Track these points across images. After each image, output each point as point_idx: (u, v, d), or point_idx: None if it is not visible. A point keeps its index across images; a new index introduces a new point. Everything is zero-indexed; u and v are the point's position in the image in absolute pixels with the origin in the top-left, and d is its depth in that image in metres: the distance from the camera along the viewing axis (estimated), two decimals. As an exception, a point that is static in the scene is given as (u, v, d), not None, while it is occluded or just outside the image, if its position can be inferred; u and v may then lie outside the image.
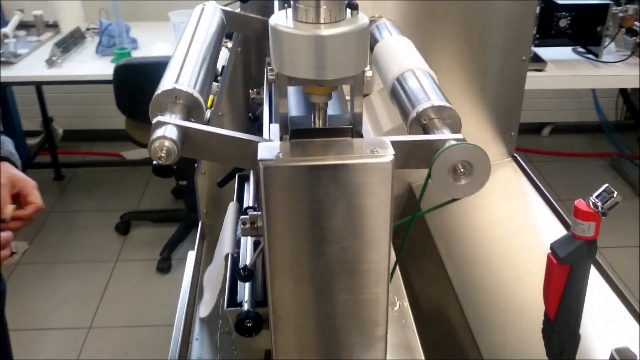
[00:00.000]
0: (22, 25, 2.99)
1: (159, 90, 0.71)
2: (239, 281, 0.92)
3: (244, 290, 0.87)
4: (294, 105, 0.81)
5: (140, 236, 3.08)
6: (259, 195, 0.71)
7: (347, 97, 0.87)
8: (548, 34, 2.55)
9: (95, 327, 2.50)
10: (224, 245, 0.98)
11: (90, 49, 2.81)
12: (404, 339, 1.03)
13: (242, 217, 0.74)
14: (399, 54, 0.90)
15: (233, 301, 0.88)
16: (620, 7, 2.58)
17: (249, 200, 1.12)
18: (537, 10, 2.36)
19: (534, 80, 2.09)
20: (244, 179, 1.20)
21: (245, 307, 0.84)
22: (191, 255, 1.37)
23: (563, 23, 2.58)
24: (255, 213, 0.74)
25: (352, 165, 0.60)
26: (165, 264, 2.81)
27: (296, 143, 0.64)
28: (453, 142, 0.65)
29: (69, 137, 3.76)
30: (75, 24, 2.94)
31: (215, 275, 0.96)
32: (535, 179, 1.28)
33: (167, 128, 0.63)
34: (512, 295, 1.02)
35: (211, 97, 1.36)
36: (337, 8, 0.60)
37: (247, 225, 0.74)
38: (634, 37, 2.62)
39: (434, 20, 1.29)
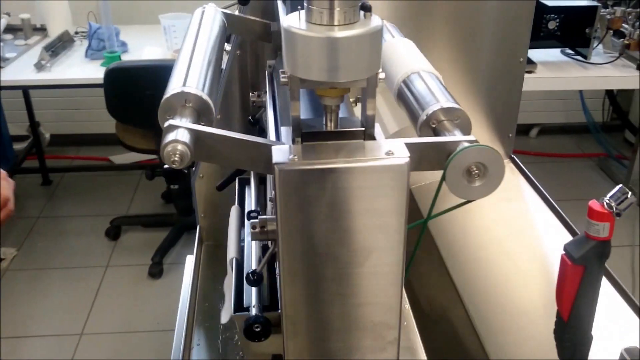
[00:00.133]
0: (9, 29, 2.96)
1: (167, 94, 0.70)
2: (244, 286, 0.91)
3: (251, 295, 0.87)
4: (301, 107, 0.81)
5: (130, 241, 3.06)
6: (274, 199, 0.70)
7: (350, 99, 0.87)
8: (537, 35, 2.57)
9: (87, 334, 2.47)
10: (229, 250, 0.97)
11: (79, 53, 2.78)
12: (406, 341, 1.03)
13: (251, 221, 0.73)
14: (404, 56, 0.90)
15: (240, 306, 0.88)
16: (608, 9, 2.60)
17: (250, 204, 1.11)
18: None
19: (524, 82, 2.10)
20: (244, 183, 1.19)
21: (253, 311, 0.83)
22: (189, 260, 1.36)
23: (552, 25, 2.60)
24: (265, 217, 0.73)
25: (368, 167, 0.60)
26: (157, 269, 2.78)
27: (309, 146, 0.64)
28: (466, 144, 0.65)
29: (56, 142, 3.72)
30: (64, 28, 2.91)
31: (227, 277, 0.95)
32: (533, 179, 1.29)
33: (179, 132, 0.62)
34: (517, 295, 1.02)
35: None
36: (351, 10, 0.60)
37: (257, 230, 0.73)
38: (622, 39, 2.65)
39: (430, 21, 1.30)
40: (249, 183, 1.17)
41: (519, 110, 1.37)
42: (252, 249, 0.96)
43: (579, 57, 2.72)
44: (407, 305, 1.09)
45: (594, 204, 0.62)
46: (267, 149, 0.63)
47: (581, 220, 1.16)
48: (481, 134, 1.34)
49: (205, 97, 0.70)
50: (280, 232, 0.62)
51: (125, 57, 2.71)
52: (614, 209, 0.61)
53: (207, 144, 0.63)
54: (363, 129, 0.67)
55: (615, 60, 2.67)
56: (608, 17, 2.59)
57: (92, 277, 2.79)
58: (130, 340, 2.45)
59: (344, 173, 0.60)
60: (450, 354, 1.04)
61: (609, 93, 3.76)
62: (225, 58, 1.34)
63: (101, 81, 2.41)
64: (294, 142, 0.66)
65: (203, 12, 1.03)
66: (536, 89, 2.78)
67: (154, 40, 2.82)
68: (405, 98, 0.81)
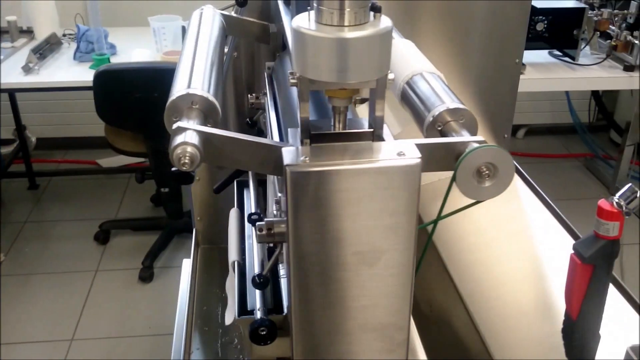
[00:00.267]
0: (-5, 32, 2.93)
1: (173, 96, 0.69)
2: (247, 289, 0.91)
3: (255, 298, 0.86)
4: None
5: (120, 245, 3.03)
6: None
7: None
8: (525, 37, 2.59)
9: (77, 339, 2.44)
10: (231, 253, 0.97)
11: (67, 55, 2.75)
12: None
13: (258, 223, 0.73)
14: (405, 57, 0.90)
15: (243, 309, 0.87)
16: (595, 11, 2.63)
17: (250, 206, 1.11)
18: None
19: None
20: (242, 185, 1.18)
21: (258, 315, 0.82)
22: (186, 264, 1.35)
23: (540, 27, 2.63)
24: (271, 219, 0.73)
25: (380, 168, 0.59)
26: (148, 273, 2.76)
27: (319, 147, 0.63)
28: (476, 145, 0.65)
29: (42, 146, 3.68)
30: (51, 30, 2.88)
31: (230, 279, 0.94)
32: (530, 179, 1.30)
33: (188, 134, 0.61)
34: (519, 295, 1.02)
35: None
36: (362, 11, 0.60)
37: (264, 232, 0.72)
38: (609, 41, 2.68)
39: (425, 22, 1.30)
40: (247, 185, 1.17)
41: (509, 112, 1.38)
42: (254, 251, 0.95)
43: (566, 59, 2.75)
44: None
45: (603, 203, 0.62)
46: (276, 151, 0.63)
47: (570, 219, 1.17)
48: (477, 135, 1.34)
49: (211, 98, 0.70)
50: (291, 233, 0.62)
51: (114, 60, 2.68)
52: (624, 208, 0.61)
53: (216, 146, 0.63)
54: (372, 130, 0.67)
55: (603, 61, 2.70)
56: (595, 19, 2.62)
57: (81, 282, 2.76)
58: (122, 345, 2.42)
59: (356, 174, 0.59)
60: (453, 355, 1.04)
61: (595, 94, 3.80)
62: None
63: (90, 84, 2.38)
64: (302, 143, 0.65)
65: (201, 13, 1.03)
66: (525, 90, 2.80)
67: (143, 42, 2.80)
68: (409, 99, 0.81)
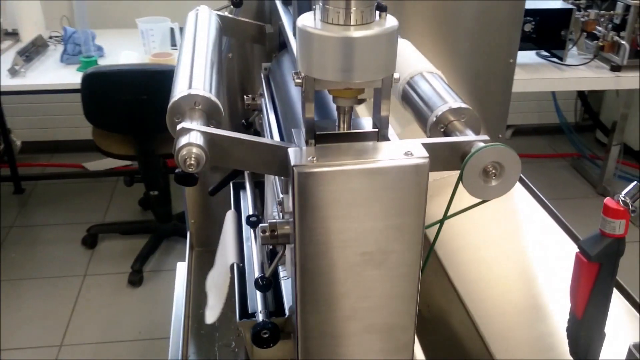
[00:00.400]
0: (-21, 34, 2.88)
1: (175, 97, 0.68)
2: (247, 292, 0.90)
3: (256, 301, 0.85)
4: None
5: (108, 249, 2.99)
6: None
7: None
8: (519, 37, 2.61)
9: (66, 345, 2.41)
10: (228, 255, 0.96)
11: (54, 58, 2.72)
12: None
13: (261, 225, 0.72)
14: (404, 57, 0.90)
15: (245, 312, 0.86)
16: (582, 12, 2.65)
17: (247, 208, 1.10)
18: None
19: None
20: (238, 187, 1.17)
21: (260, 317, 0.82)
22: (181, 267, 1.34)
23: (528, 27, 2.64)
24: (274, 220, 0.72)
25: (389, 168, 0.59)
26: (137, 277, 2.73)
27: (325, 147, 0.63)
28: (482, 144, 0.65)
29: (28, 149, 3.63)
30: (37, 32, 2.84)
31: (221, 280, 0.93)
32: (525, 179, 1.30)
33: (192, 134, 0.61)
34: (518, 294, 1.02)
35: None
36: (368, 10, 0.59)
37: (267, 234, 0.72)
38: (596, 41, 2.70)
39: (417, 22, 1.30)
40: (243, 187, 1.16)
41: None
42: (254, 253, 0.94)
43: (554, 59, 2.77)
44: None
45: (609, 201, 0.62)
46: (282, 151, 0.62)
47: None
48: (472, 135, 1.35)
49: (214, 98, 0.69)
50: (297, 234, 0.61)
51: (102, 62, 2.66)
52: (630, 206, 0.61)
53: (221, 147, 0.62)
54: (377, 130, 0.66)
55: (590, 61, 2.72)
56: (582, 19, 2.64)
57: (69, 286, 2.72)
58: (112, 351, 2.39)
59: (364, 174, 0.59)
60: (453, 356, 1.04)
61: (581, 94, 3.84)
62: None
63: (78, 86, 2.36)
64: (307, 144, 0.65)
65: (197, 14, 1.02)
66: (513, 90, 2.81)
67: (131, 44, 2.78)
68: (411, 100, 0.81)
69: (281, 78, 0.97)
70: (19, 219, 3.21)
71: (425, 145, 0.63)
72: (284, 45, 1.08)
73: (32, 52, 2.69)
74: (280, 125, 0.87)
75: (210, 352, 1.14)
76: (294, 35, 0.86)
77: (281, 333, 0.82)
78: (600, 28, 2.67)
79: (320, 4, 0.60)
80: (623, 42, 2.58)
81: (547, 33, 2.66)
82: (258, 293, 0.85)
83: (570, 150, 3.99)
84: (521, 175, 1.33)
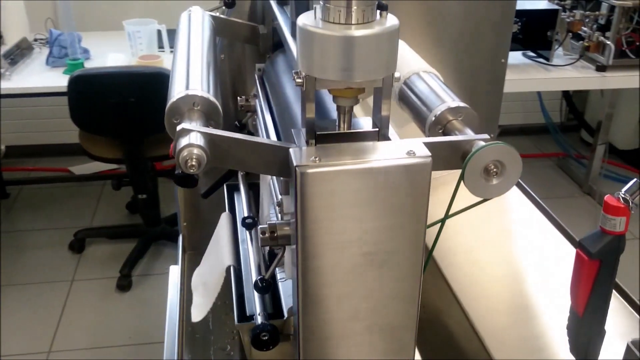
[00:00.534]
0: (-38, 37, 2.84)
1: (174, 97, 0.68)
2: (246, 294, 0.89)
3: (254, 303, 0.85)
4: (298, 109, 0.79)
5: (96, 254, 2.96)
6: (294, 202, 0.69)
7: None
8: (511, 37, 2.63)
9: (55, 351, 2.38)
10: (224, 257, 0.95)
11: (39, 61, 2.69)
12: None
13: (260, 227, 0.71)
14: (400, 57, 0.90)
15: (243, 315, 0.85)
16: (567, 13, 2.68)
17: (241, 210, 1.09)
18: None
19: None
20: (232, 189, 1.16)
21: (259, 320, 0.81)
22: (174, 270, 1.33)
23: (514, 28, 2.66)
24: (274, 222, 0.71)
25: (393, 167, 0.59)
26: (126, 281, 2.71)
27: (326, 147, 0.62)
28: (482, 143, 0.65)
29: (12, 153, 3.59)
30: (21, 35, 2.81)
31: (213, 280, 0.92)
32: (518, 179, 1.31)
33: (193, 135, 0.60)
34: (514, 293, 1.03)
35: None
36: (369, 9, 0.59)
37: (267, 235, 0.71)
38: (581, 41, 2.73)
39: (406, 23, 1.30)
40: (237, 189, 1.15)
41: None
42: (250, 255, 0.94)
43: (540, 60, 2.79)
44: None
45: (609, 199, 0.62)
46: (283, 152, 0.62)
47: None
48: (464, 135, 1.35)
49: (212, 99, 0.68)
50: (300, 235, 0.61)
51: (88, 65, 2.63)
52: (630, 203, 0.61)
53: (222, 148, 0.62)
54: (377, 129, 0.66)
55: (576, 62, 2.74)
56: (568, 20, 2.66)
57: (57, 292, 2.69)
58: (101, 356, 2.37)
59: (368, 173, 0.59)
60: (451, 356, 1.04)
61: (565, 94, 3.87)
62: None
63: (64, 89, 2.33)
64: (307, 144, 0.64)
65: (190, 15, 1.01)
66: (504, 91, 2.83)
67: (117, 46, 2.75)
68: (408, 100, 0.81)
69: (276, 79, 0.96)
70: (4, 225, 3.17)
71: (425, 144, 0.63)
72: (277, 46, 1.07)
73: (17, 55, 2.65)
74: (277, 126, 0.86)
75: (205, 355, 1.13)
76: (292, 35, 0.85)
77: (281, 335, 0.81)
78: (585, 28, 2.69)
79: (321, 3, 0.59)
80: (608, 42, 2.60)
81: (534, 34, 2.68)
82: (256, 295, 0.84)
83: (556, 150, 4.02)
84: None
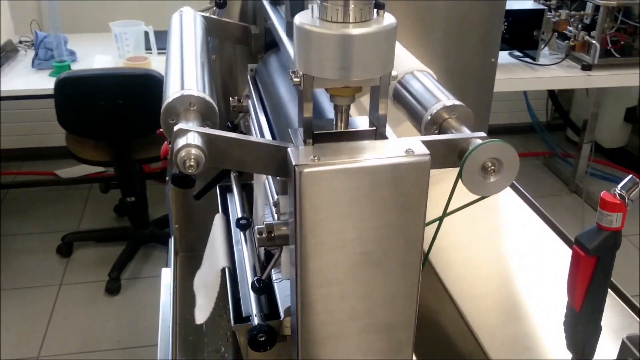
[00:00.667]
0: (-55, 40, 2.80)
1: (169, 98, 0.67)
2: (241, 295, 0.89)
3: (250, 305, 0.84)
4: (293, 109, 0.79)
5: (84, 257, 2.94)
6: (293, 202, 0.68)
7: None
8: (501, 36, 2.64)
9: (43, 356, 2.36)
10: (219, 258, 0.94)
11: (24, 63, 2.66)
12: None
13: (257, 227, 0.71)
14: (394, 56, 0.90)
15: (239, 316, 0.85)
16: (553, 13, 2.70)
17: (235, 211, 1.09)
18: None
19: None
20: (225, 190, 1.16)
21: (256, 321, 0.81)
22: (166, 273, 1.32)
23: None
24: (271, 222, 0.71)
25: (392, 165, 0.59)
26: (115, 285, 2.68)
27: (325, 147, 0.62)
28: (480, 141, 0.65)
29: (-4, 157, 3.55)
30: (6, 37, 2.78)
31: (211, 281, 0.91)
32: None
33: (190, 135, 0.60)
34: (508, 291, 1.03)
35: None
36: (367, 7, 0.59)
37: (264, 235, 0.71)
38: (567, 41, 2.75)
39: (401, 21, 1.30)
40: (230, 190, 1.15)
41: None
42: (245, 256, 0.93)
43: (527, 59, 2.81)
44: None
45: (606, 195, 0.63)
46: (281, 152, 0.62)
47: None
48: (455, 134, 1.35)
49: (208, 99, 0.68)
50: (298, 234, 0.61)
51: (75, 67, 2.61)
52: (626, 199, 0.62)
53: (220, 148, 0.61)
54: (374, 128, 0.66)
55: (562, 61, 2.77)
56: (554, 20, 2.69)
57: (45, 296, 2.66)
58: (91, 360, 2.35)
59: (366, 172, 0.58)
60: (446, 355, 1.05)
61: (551, 93, 3.90)
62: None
63: (51, 92, 2.31)
64: (305, 143, 0.64)
65: (181, 15, 1.01)
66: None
67: (104, 48, 2.73)
68: (403, 99, 0.81)
69: (269, 79, 0.96)
70: (-10, 229, 3.13)
71: (423, 142, 0.63)
72: (269, 46, 1.07)
73: (2, 57, 2.62)
74: (271, 126, 0.86)
75: (199, 357, 1.12)
76: (287, 34, 0.85)
77: (278, 336, 0.81)
78: (571, 28, 2.72)
79: (319, 1, 0.59)
80: (594, 41, 2.63)
81: (520, 33, 2.70)
82: (252, 296, 0.84)
83: (542, 149, 4.05)
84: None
